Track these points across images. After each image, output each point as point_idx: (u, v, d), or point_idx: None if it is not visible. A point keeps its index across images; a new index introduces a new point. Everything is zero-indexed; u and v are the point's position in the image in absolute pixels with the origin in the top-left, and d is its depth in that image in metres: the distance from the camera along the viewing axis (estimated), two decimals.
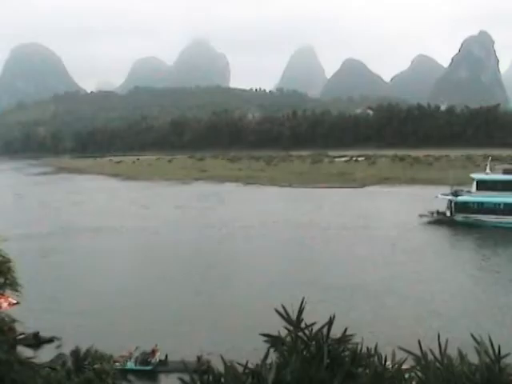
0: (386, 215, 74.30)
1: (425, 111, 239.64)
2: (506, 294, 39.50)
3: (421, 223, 68.38)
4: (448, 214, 68.66)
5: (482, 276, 46.01)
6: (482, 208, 66.68)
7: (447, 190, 71.53)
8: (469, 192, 69.27)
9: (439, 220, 68.35)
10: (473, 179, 70.00)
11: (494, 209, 66.10)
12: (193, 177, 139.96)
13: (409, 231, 63.74)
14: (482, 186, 67.64)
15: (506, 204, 65.19)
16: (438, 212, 69.34)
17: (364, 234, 62.27)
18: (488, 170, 70.78)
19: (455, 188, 70.79)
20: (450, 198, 69.17)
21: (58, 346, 30.50)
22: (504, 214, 65.01)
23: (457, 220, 67.47)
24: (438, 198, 71.02)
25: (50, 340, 32.05)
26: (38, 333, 31.83)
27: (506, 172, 68.83)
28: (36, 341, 31.15)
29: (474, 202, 67.47)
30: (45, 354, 26.52)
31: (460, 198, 68.44)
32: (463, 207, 67.80)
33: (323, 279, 43.12)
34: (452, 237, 63.47)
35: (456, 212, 68.07)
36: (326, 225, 68.15)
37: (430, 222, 68.62)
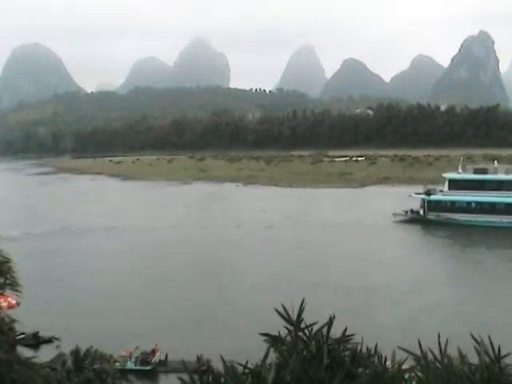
0: (371, 214, 74.55)
1: (425, 111, 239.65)
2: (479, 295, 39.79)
3: (395, 222, 69.72)
4: (421, 212, 69.95)
5: (455, 275, 47.79)
6: (453, 207, 68.28)
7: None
8: (441, 191, 70.65)
9: (412, 219, 69.67)
10: (444, 179, 71.41)
11: (465, 207, 67.63)
12: (193, 177, 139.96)
13: (379, 230, 64.74)
14: (454, 185, 69.15)
15: (477, 203, 66.65)
16: (412, 211, 70.61)
17: (340, 234, 63.26)
18: (460, 170, 72.21)
19: (428, 187, 72.12)
20: (422, 196, 70.47)
21: (58, 346, 30.42)
22: (475, 213, 66.43)
23: (429, 218, 68.72)
24: (411, 196, 72.37)
25: (50, 340, 32.02)
26: (38, 333, 31.81)
27: (476, 172, 70.52)
28: (35, 341, 31.11)
29: (446, 201, 69.01)
30: (44, 354, 26.50)
31: (432, 197, 69.88)
32: (436, 206, 69.22)
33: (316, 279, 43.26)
34: (423, 235, 65.38)
35: (429, 211, 69.39)
36: (308, 225, 69.04)
37: (403, 221, 69.93)
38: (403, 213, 70.60)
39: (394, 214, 70.54)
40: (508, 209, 64.76)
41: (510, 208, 64.54)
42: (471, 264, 50.32)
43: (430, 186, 72.49)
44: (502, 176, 67.87)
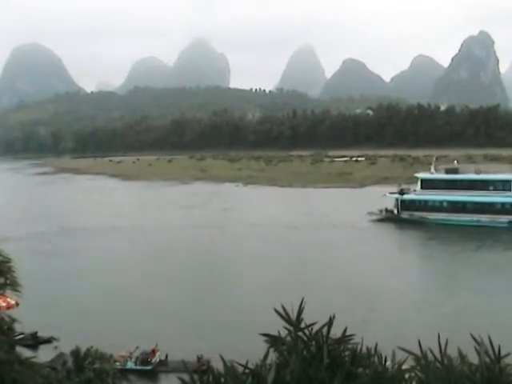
0: (358, 214, 74.81)
1: (425, 111, 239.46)
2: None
3: (370, 220, 70.80)
4: (395, 211, 71.12)
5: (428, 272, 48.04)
6: (426, 206, 69.55)
7: None
8: (414, 191, 71.95)
9: (387, 218, 70.85)
10: (417, 178, 72.70)
11: (437, 206, 68.87)
12: (193, 177, 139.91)
13: (354, 229, 65.85)
14: (426, 184, 70.54)
15: (448, 202, 67.90)
16: (386, 210, 71.79)
17: (321, 233, 64.21)
18: (432, 170, 73.62)
19: (402, 186, 73.61)
20: (396, 196, 71.76)
21: (57, 347, 30.40)
22: (447, 212, 67.66)
23: (403, 217, 69.86)
24: (385, 196, 73.74)
25: (49, 340, 31.98)
26: (37, 333, 31.77)
27: (448, 171, 72.03)
28: (34, 341, 31.04)
29: (418, 200, 70.36)
30: (44, 354, 26.50)
31: (406, 197, 71.20)
32: (409, 205, 70.56)
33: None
34: (397, 235, 66.75)
35: (402, 210, 70.65)
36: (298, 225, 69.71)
37: (378, 220, 71.13)
38: (378, 212, 71.87)
39: (370, 213, 71.77)
40: (478, 208, 66.01)
41: (481, 207, 65.90)
42: (431, 261, 52.29)
43: (404, 186, 73.98)
44: (472, 176, 69.01)
